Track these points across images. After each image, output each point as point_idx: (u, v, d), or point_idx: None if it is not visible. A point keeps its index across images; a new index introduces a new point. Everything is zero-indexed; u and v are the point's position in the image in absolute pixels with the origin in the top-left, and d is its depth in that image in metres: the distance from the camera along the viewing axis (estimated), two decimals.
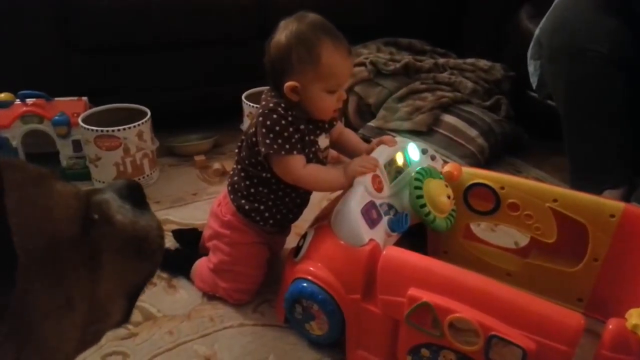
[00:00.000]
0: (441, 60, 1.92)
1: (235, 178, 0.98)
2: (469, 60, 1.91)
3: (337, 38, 0.87)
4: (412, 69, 1.82)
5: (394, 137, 1.09)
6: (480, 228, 1.24)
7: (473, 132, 1.61)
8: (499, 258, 1.10)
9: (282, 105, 0.88)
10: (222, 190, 1.06)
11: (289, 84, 0.86)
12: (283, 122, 0.86)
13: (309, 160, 0.91)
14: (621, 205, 0.93)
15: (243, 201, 0.97)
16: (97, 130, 1.37)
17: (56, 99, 1.50)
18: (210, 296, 1.05)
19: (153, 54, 1.70)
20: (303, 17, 0.87)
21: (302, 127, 0.89)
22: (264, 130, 0.87)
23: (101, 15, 1.57)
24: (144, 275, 0.56)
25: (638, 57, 1.20)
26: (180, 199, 1.42)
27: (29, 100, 1.45)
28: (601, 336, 0.69)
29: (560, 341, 0.67)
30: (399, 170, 0.98)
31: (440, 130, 1.63)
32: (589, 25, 1.24)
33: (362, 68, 1.79)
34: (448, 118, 1.65)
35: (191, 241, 1.17)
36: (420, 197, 0.92)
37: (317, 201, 1.07)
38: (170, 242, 1.18)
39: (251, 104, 1.60)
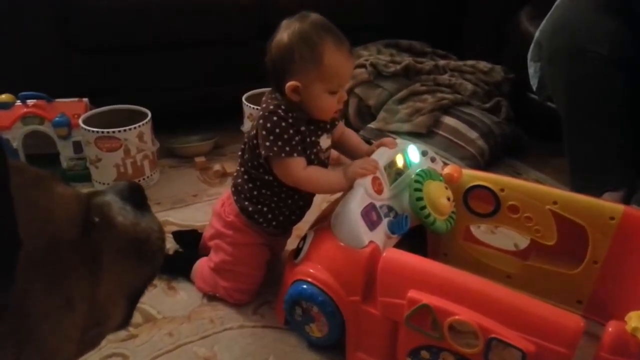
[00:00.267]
0: (441, 62, 1.92)
1: (239, 180, 0.98)
2: (469, 62, 1.91)
3: (340, 38, 0.87)
4: (412, 70, 1.82)
5: (394, 138, 1.09)
6: (480, 230, 1.24)
7: (473, 134, 1.61)
8: (499, 260, 1.10)
9: (283, 107, 0.88)
10: (222, 191, 1.07)
11: (290, 83, 0.86)
12: (283, 124, 0.86)
13: (310, 162, 0.91)
14: (621, 207, 0.93)
15: (246, 203, 0.97)
16: (97, 132, 1.37)
17: (57, 100, 1.50)
18: (210, 298, 1.05)
19: (153, 54, 1.70)
20: (305, 17, 0.87)
21: (302, 128, 0.89)
22: (264, 132, 0.87)
23: (101, 15, 1.57)
24: (144, 278, 0.56)
25: (638, 58, 1.20)
26: (180, 200, 1.42)
27: (30, 102, 1.45)
28: (601, 339, 0.69)
29: (560, 343, 0.67)
30: (399, 172, 0.98)
31: (440, 132, 1.63)
32: (589, 26, 1.24)
33: (363, 70, 1.79)
34: (448, 120, 1.65)
35: (191, 242, 1.17)
36: (420, 199, 0.92)
37: (318, 203, 1.07)
38: (170, 244, 1.18)
39: (252, 106, 1.60)
